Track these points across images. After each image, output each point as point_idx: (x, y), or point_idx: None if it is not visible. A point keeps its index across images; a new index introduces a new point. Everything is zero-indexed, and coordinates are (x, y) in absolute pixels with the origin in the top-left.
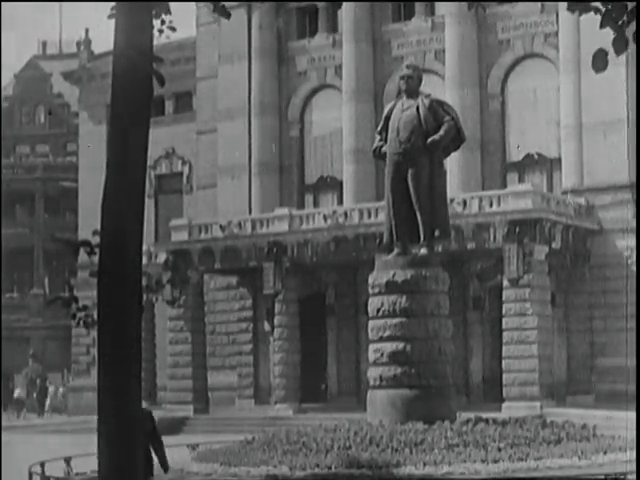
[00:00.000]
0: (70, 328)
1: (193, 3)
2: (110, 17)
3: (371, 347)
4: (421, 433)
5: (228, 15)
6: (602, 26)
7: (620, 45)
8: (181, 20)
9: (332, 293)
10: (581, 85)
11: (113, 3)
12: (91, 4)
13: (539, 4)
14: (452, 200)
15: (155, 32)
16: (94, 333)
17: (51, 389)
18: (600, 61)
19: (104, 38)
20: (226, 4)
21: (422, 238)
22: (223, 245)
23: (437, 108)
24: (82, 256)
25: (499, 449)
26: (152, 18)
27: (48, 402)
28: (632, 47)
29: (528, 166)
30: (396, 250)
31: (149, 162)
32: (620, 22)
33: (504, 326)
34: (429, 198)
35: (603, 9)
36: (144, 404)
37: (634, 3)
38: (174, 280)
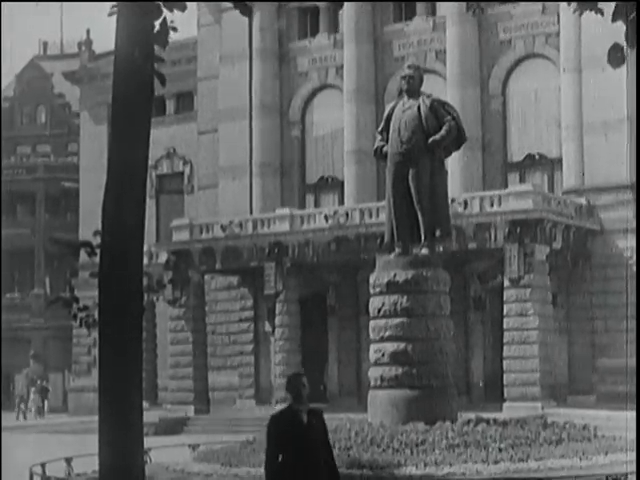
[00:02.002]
0: (71, 328)
1: (194, 3)
2: (110, 14)
3: (372, 347)
4: (422, 433)
5: (249, 11)
6: (614, 20)
7: (632, 39)
8: (182, 20)
9: (333, 293)
10: (582, 85)
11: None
12: (92, 4)
13: (540, 5)
14: (453, 200)
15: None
16: (95, 333)
17: (32, 390)
18: (616, 56)
19: (105, 38)
20: (228, 4)
21: (423, 238)
22: (224, 245)
23: (438, 108)
24: (83, 256)
25: (500, 449)
26: (156, 16)
27: (27, 405)
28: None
29: (529, 166)
30: (397, 250)
31: (150, 162)
32: (631, 16)
33: (505, 326)
34: (430, 198)
35: (604, 8)
36: (145, 404)
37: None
38: (175, 280)
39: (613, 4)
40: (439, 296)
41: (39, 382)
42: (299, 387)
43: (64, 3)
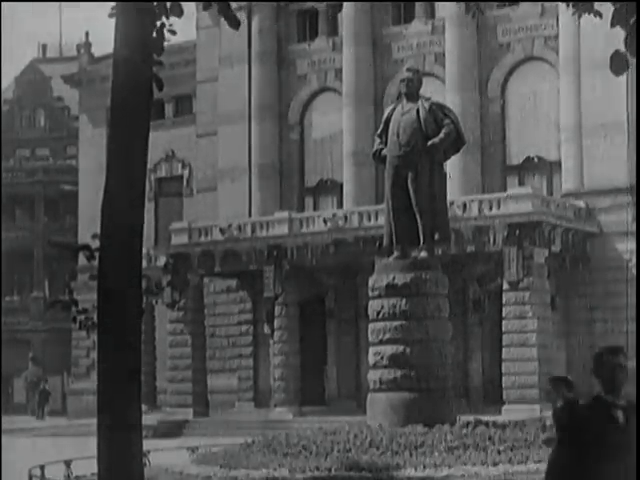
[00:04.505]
0: (70, 331)
1: (193, 6)
2: (111, 16)
3: (371, 350)
4: (421, 436)
5: (238, 24)
6: (612, 25)
7: (632, 45)
8: (181, 23)
9: (332, 296)
10: (581, 88)
11: (113, 3)
12: (91, 6)
13: (539, 7)
14: (452, 203)
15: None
16: (94, 336)
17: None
18: (618, 63)
19: (104, 41)
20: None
21: (422, 241)
22: (223, 248)
23: (437, 111)
24: (82, 259)
25: (499, 452)
26: (155, 20)
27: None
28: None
29: (528, 169)
30: (396, 253)
31: (149, 165)
32: (631, 21)
33: (504, 329)
34: (429, 201)
35: (603, 11)
36: (144, 407)
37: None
38: (174, 283)
39: (612, 7)
40: (438, 299)
41: (41, 385)
42: (614, 368)
43: (63, 6)
